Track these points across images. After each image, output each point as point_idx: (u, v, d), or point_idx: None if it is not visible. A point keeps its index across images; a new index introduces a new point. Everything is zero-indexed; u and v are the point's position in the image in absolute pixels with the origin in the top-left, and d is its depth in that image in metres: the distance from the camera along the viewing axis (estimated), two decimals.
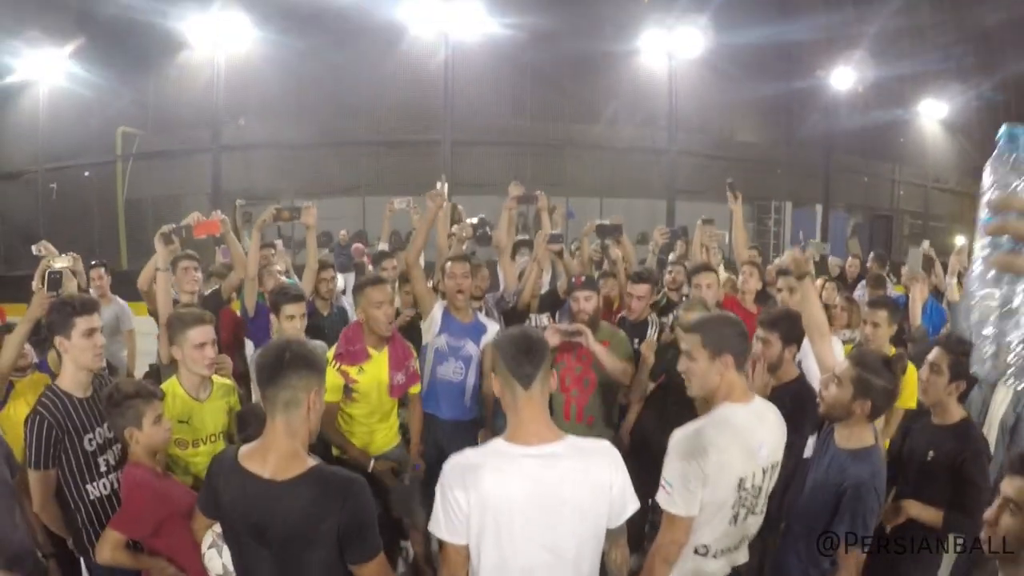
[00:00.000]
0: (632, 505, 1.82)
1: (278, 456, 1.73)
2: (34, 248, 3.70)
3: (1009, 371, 0.84)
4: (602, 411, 3.50)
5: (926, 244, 5.72)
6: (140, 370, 5.26)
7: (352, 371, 3.18)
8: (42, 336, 2.90)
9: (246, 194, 12.07)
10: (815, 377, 2.81)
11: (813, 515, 2.27)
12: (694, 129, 17.63)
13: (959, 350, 2.50)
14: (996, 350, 0.84)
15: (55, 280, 2.85)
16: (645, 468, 2.28)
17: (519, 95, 16.80)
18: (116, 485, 2.50)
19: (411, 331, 3.77)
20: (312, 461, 1.76)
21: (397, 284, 4.54)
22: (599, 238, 4.95)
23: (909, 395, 3.10)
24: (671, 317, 3.85)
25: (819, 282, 5.65)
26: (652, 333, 3.91)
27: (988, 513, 1.63)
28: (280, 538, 1.69)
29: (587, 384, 3.41)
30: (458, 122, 15.89)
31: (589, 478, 1.75)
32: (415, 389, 3.48)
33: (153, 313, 3.68)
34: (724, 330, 2.12)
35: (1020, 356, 0.84)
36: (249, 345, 4.23)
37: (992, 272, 0.84)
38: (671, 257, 5.64)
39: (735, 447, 2.02)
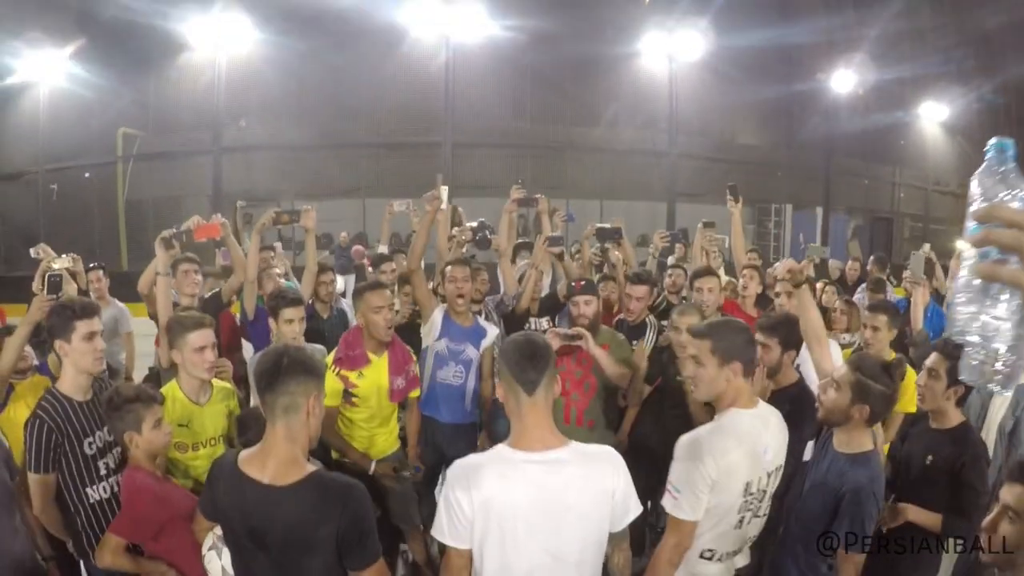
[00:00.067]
0: (635, 509, 1.82)
1: (277, 462, 1.73)
2: (32, 251, 3.70)
3: (996, 378, 0.85)
4: (603, 415, 3.50)
5: (927, 247, 5.73)
6: (139, 372, 5.26)
7: (352, 376, 3.18)
8: (42, 338, 2.90)
9: (247, 195, 12.10)
10: (814, 382, 2.81)
11: (812, 519, 2.27)
12: (695, 132, 17.66)
13: (956, 355, 2.49)
14: (984, 357, 0.85)
15: (55, 283, 2.86)
16: (643, 471, 2.29)
17: (520, 97, 16.83)
18: (116, 489, 2.50)
19: (410, 332, 3.77)
20: (311, 467, 1.77)
21: (397, 287, 4.55)
22: (599, 241, 4.95)
23: (909, 399, 3.10)
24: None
25: (819, 285, 5.65)
26: (649, 337, 3.92)
27: (987, 520, 1.63)
28: (279, 543, 1.69)
29: (587, 388, 3.41)
30: (459, 124, 15.92)
31: (592, 484, 1.75)
32: (415, 394, 3.49)
33: (153, 316, 3.68)
34: (734, 337, 2.14)
35: (1007, 364, 0.84)
36: (248, 348, 4.23)
37: (977, 281, 0.84)
38: (670, 260, 5.65)
39: (742, 452, 2.04)
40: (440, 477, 3.94)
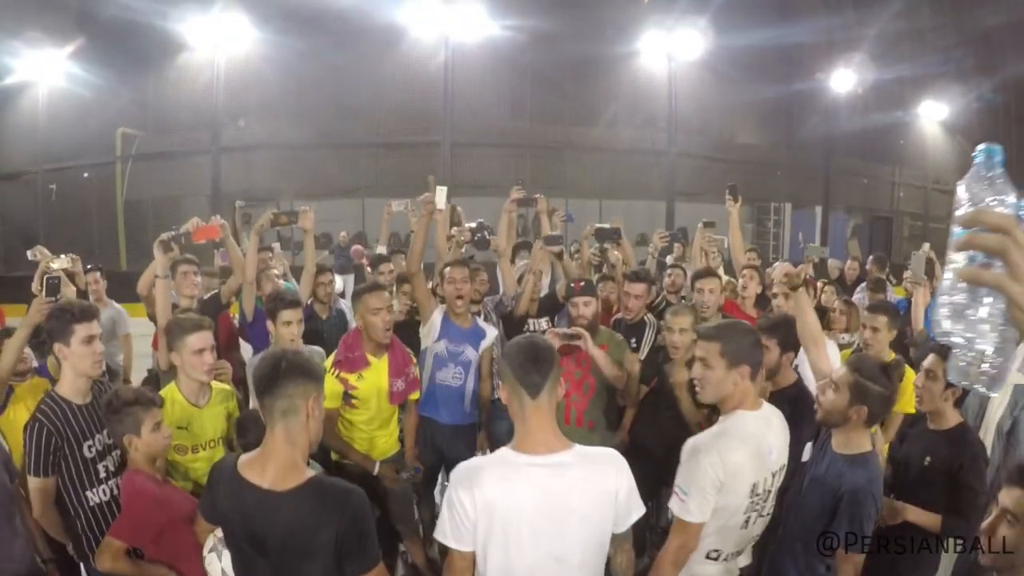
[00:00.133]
0: (637, 510, 1.83)
1: (277, 466, 1.73)
2: (29, 253, 3.70)
3: (982, 379, 0.86)
4: (603, 415, 3.50)
5: (927, 247, 5.72)
6: (137, 373, 5.26)
7: (351, 378, 3.18)
8: (41, 339, 2.90)
9: (246, 195, 12.09)
10: (813, 382, 2.82)
11: (811, 519, 2.28)
12: (694, 131, 17.66)
13: None
14: (970, 359, 0.86)
15: (53, 285, 2.86)
16: (640, 471, 2.29)
17: (519, 97, 16.82)
18: (116, 491, 2.51)
19: (409, 332, 3.77)
20: (311, 472, 1.77)
21: (395, 286, 4.55)
22: (598, 242, 4.95)
23: (908, 400, 3.10)
24: None
25: (819, 284, 5.65)
26: (648, 336, 3.92)
27: (985, 523, 1.63)
28: (278, 548, 1.69)
29: (587, 389, 3.41)
30: (458, 124, 15.91)
31: (596, 487, 1.76)
32: (415, 396, 3.49)
33: (153, 317, 3.68)
34: (743, 340, 2.15)
35: (994, 366, 0.84)
36: (247, 349, 4.23)
37: (962, 284, 0.85)
38: (669, 260, 5.64)
39: (748, 454, 2.06)
40: (439, 477, 3.95)
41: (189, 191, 16.53)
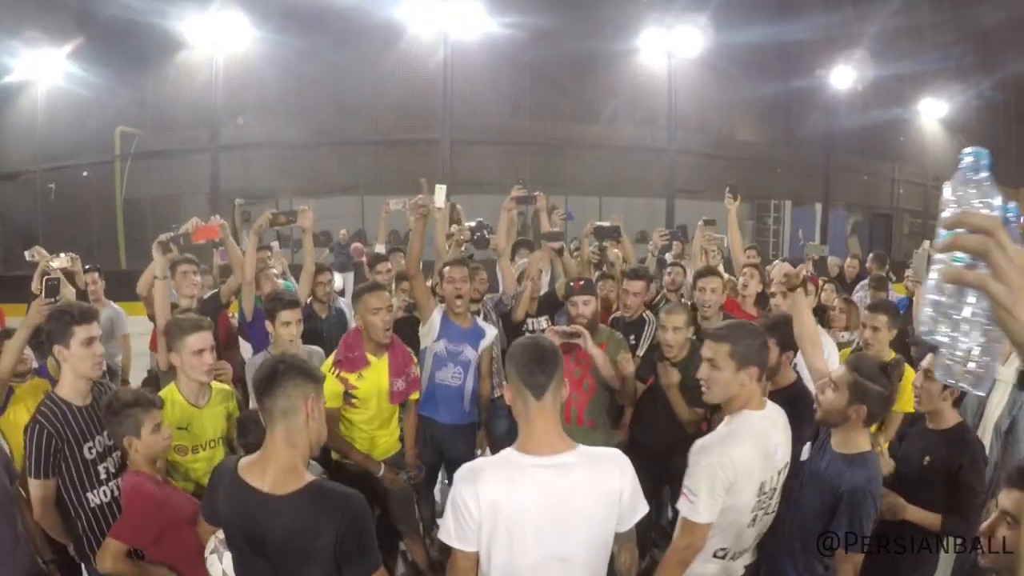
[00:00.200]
0: (641, 509, 1.84)
1: (277, 469, 1.73)
2: (27, 254, 3.69)
3: (967, 378, 0.86)
4: (603, 414, 3.50)
5: (927, 244, 5.71)
6: (135, 373, 5.26)
7: (351, 378, 3.18)
8: (41, 340, 2.90)
9: (245, 193, 12.05)
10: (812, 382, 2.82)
11: (810, 518, 2.28)
12: (693, 128, 17.64)
13: None
14: (956, 358, 0.86)
15: (52, 286, 2.85)
16: (642, 469, 2.29)
17: (518, 94, 16.80)
18: (116, 492, 2.51)
19: (408, 330, 3.76)
20: (311, 476, 1.77)
21: (394, 284, 4.55)
22: (597, 240, 4.94)
23: (908, 399, 3.10)
24: None
25: (819, 282, 5.64)
26: (647, 333, 3.92)
27: (985, 525, 1.64)
28: (278, 551, 1.70)
29: (587, 388, 3.41)
30: (457, 121, 15.88)
31: (600, 487, 1.76)
32: (415, 396, 3.49)
33: (152, 317, 3.68)
34: (751, 341, 2.17)
35: (980, 365, 0.85)
36: (247, 349, 4.23)
37: (947, 285, 0.85)
38: (668, 257, 5.64)
39: (756, 453, 2.09)
40: (439, 476, 3.96)
41: (188, 189, 16.51)
